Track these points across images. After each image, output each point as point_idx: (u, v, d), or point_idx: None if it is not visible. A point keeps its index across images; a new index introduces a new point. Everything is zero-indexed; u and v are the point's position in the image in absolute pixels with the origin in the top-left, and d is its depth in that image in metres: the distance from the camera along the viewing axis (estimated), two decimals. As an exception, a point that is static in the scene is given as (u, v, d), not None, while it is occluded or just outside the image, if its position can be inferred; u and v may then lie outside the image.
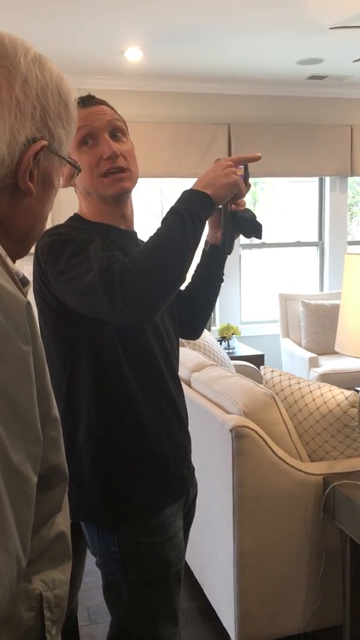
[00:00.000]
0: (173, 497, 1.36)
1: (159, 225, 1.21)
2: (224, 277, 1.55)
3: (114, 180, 1.32)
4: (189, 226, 1.18)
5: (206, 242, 1.52)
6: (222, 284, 1.56)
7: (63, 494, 0.77)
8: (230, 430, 1.93)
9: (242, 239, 5.57)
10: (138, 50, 4.27)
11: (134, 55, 4.35)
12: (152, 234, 1.20)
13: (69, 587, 1.65)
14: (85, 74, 4.75)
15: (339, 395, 2.10)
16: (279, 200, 6.22)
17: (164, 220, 1.21)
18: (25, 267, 1.10)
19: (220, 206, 1.41)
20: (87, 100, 1.34)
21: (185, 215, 1.19)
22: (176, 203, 1.23)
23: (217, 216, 1.44)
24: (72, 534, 1.53)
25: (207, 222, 1.48)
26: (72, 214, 1.44)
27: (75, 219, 1.40)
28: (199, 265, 1.54)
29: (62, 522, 0.77)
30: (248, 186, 1.37)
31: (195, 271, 1.54)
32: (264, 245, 5.88)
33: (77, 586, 1.67)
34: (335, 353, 4.50)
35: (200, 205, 1.22)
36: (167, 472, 1.34)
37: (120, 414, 1.29)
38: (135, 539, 1.30)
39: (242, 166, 1.40)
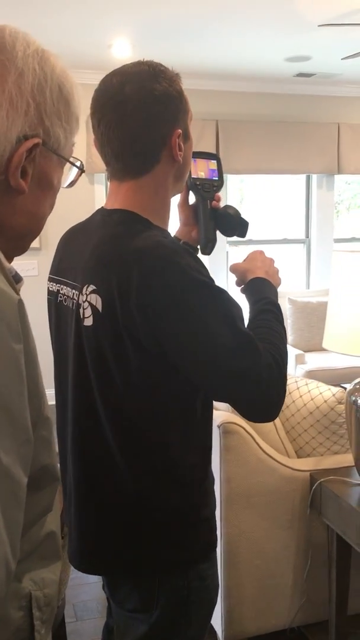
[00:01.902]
0: None
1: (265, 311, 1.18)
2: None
3: None
4: (284, 326, 1.19)
5: (176, 239, 1.37)
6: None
7: (54, 494, 0.76)
8: (218, 427, 1.93)
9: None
10: (126, 44, 4.25)
11: (121, 49, 4.33)
12: (270, 328, 1.13)
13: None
14: (72, 68, 4.68)
15: (327, 392, 2.11)
16: (266, 197, 6.23)
17: (273, 316, 1.17)
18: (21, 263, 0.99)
19: (192, 202, 1.34)
20: None
21: (281, 317, 1.20)
22: (272, 297, 1.21)
23: (191, 213, 1.35)
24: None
25: (179, 218, 1.38)
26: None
27: (146, 224, 1.12)
28: None
29: (52, 521, 0.76)
30: (221, 181, 1.32)
31: None
32: (250, 242, 5.89)
33: (65, 583, 1.66)
34: (322, 350, 4.52)
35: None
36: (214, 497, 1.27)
37: (200, 455, 1.19)
38: (204, 575, 1.20)
39: (215, 160, 1.34)
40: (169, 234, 1.17)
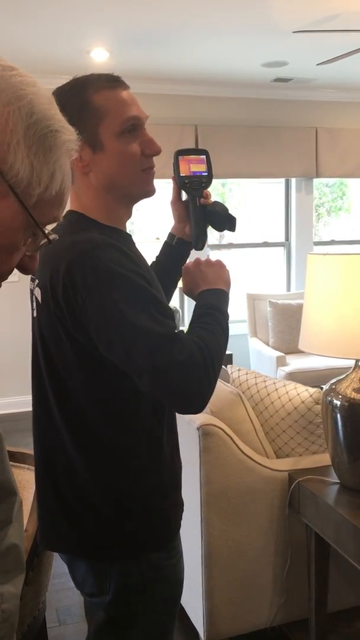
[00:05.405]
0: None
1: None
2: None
3: (150, 179, 1.24)
4: (225, 328, 1.20)
5: (171, 235, 1.45)
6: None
7: (12, 507, 0.75)
8: (198, 429, 1.95)
9: (209, 239, 5.60)
10: (104, 51, 4.27)
11: (100, 55, 4.35)
12: (206, 331, 1.15)
13: (36, 588, 1.63)
14: (50, 74, 4.70)
15: (304, 392, 2.14)
16: (247, 201, 6.28)
17: (212, 318, 1.18)
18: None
19: (185, 198, 1.37)
20: (121, 82, 1.21)
21: (223, 319, 1.21)
22: (214, 302, 1.22)
23: (183, 210, 1.39)
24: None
25: (173, 215, 1.43)
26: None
27: (90, 223, 1.19)
28: (160, 258, 1.47)
29: (14, 534, 0.75)
30: (210, 176, 1.35)
31: (156, 263, 1.47)
32: (231, 245, 5.93)
33: (45, 586, 1.67)
34: (302, 352, 4.56)
35: (227, 304, 1.26)
36: (180, 494, 1.30)
37: (149, 444, 1.22)
38: (159, 564, 1.23)
39: (204, 155, 1.36)
40: (117, 231, 1.21)
